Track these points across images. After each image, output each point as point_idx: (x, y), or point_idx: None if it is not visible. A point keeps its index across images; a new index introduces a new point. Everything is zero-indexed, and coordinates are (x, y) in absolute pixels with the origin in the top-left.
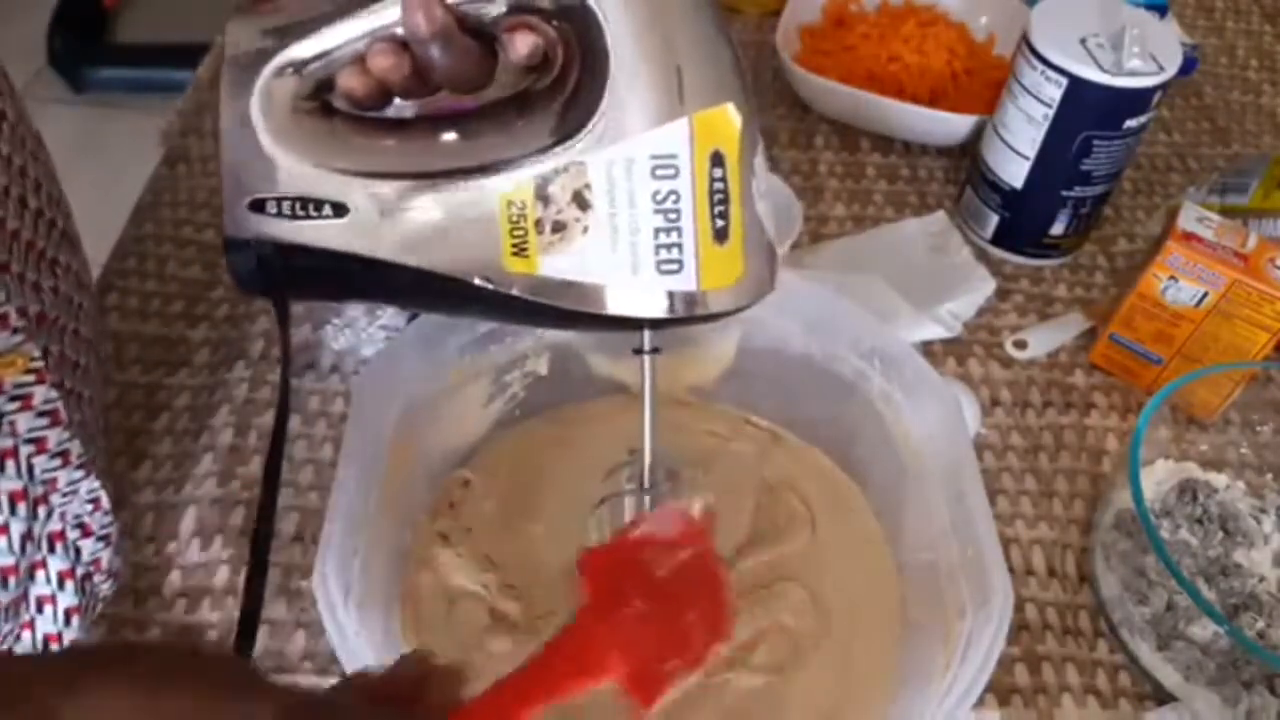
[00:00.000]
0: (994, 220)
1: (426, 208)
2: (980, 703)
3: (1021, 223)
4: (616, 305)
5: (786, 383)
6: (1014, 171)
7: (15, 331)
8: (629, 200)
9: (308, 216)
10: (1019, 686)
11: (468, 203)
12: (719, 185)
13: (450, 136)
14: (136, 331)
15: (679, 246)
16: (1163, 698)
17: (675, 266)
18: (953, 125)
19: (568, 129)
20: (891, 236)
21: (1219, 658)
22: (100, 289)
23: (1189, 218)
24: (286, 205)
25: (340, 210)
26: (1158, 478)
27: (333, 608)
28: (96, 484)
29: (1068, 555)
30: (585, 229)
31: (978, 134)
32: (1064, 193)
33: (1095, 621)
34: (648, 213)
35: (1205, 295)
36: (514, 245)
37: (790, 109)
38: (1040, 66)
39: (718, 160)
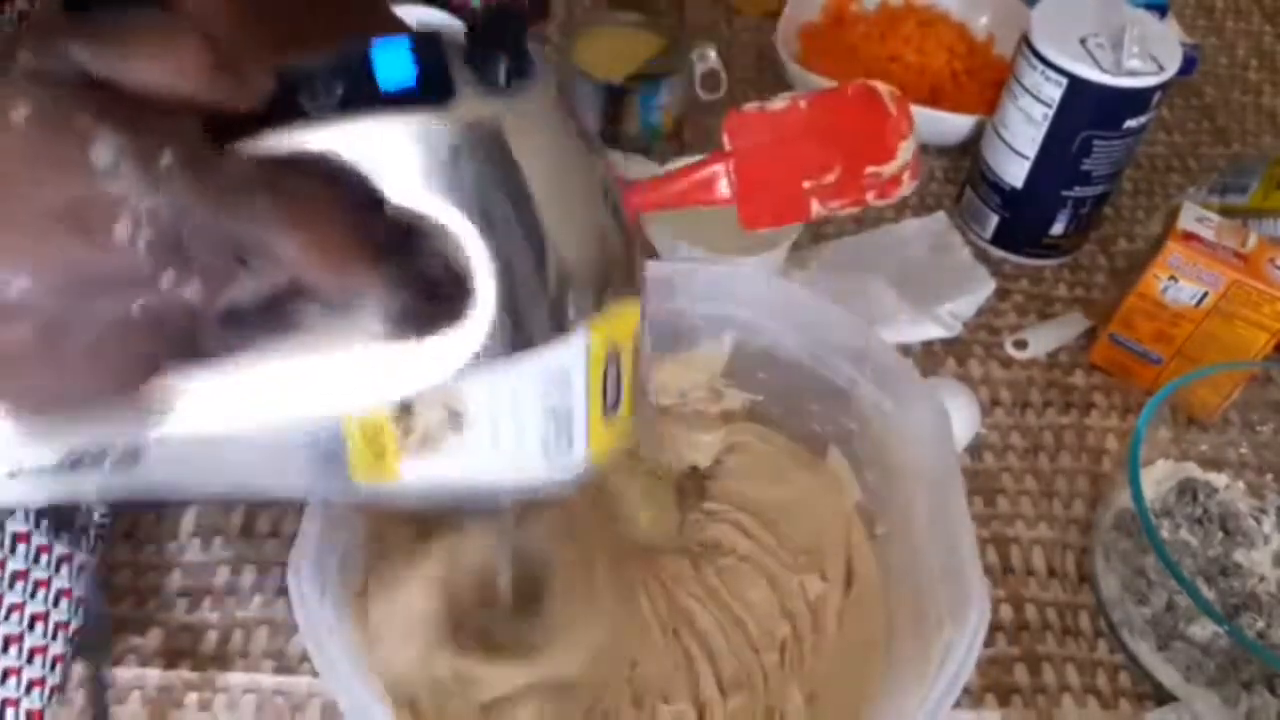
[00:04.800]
0: (994, 220)
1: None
2: (980, 703)
3: (1021, 223)
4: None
5: (779, 387)
6: (1014, 171)
7: None
8: (512, 412)
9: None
10: (1019, 686)
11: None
12: (612, 375)
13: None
14: None
15: (569, 435)
16: (1163, 698)
17: (564, 449)
18: (953, 125)
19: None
20: (891, 236)
21: (1219, 658)
22: None
23: (1189, 218)
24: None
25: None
26: (1158, 478)
27: (305, 602)
28: None
29: (1068, 555)
30: (460, 438)
31: (978, 134)
32: (1064, 193)
33: (1095, 621)
34: (536, 417)
35: (1205, 295)
36: (365, 459)
37: None
38: (1040, 66)
39: (614, 358)
